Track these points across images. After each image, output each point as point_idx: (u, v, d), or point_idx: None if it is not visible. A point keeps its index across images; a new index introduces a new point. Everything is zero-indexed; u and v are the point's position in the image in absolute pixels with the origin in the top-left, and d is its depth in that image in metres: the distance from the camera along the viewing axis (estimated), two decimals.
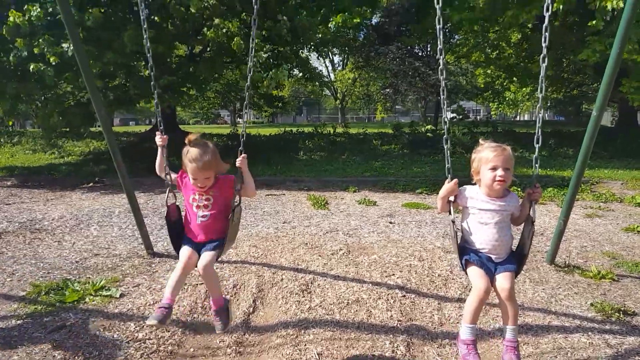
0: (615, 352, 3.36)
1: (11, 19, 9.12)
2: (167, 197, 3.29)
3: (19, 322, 3.74)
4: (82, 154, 16.88)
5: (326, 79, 35.30)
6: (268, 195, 9.42)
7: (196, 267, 3.07)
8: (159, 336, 3.60)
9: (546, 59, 2.95)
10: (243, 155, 3.21)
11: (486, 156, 2.79)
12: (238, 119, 51.76)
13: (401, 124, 24.06)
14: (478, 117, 38.60)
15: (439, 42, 3.06)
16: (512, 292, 2.70)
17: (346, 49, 24.58)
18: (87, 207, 8.16)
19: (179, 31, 11.21)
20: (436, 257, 5.38)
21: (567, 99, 30.78)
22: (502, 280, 2.72)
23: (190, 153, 3.00)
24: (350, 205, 8.52)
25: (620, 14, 11.05)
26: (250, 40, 3.49)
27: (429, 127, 23.21)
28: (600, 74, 4.20)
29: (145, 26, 3.55)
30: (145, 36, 3.56)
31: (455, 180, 2.85)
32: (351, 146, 17.47)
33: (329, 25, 17.55)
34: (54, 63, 9.32)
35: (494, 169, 2.74)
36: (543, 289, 4.47)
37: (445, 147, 3.01)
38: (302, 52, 18.58)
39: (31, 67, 9.39)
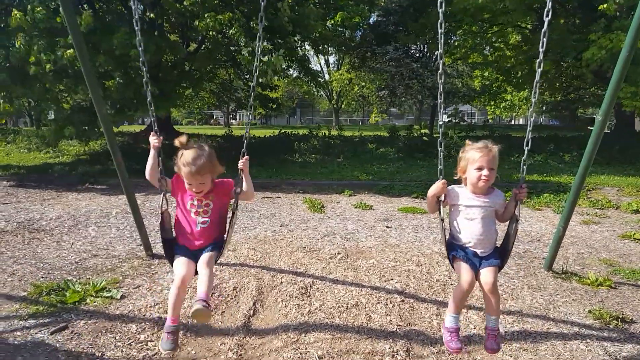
0: (613, 359, 3.41)
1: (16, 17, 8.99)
2: (162, 203, 3.09)
3: (21, 322, 3.74)
4: (77, 154, 16.82)
5: (321, 79, 35.30)
6: (264, 198, 9.43)
7: (196, 274, 2.94)
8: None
9: (542, 64, 3.03)
10: (246, 157, 3.08)
11: (472, 156, 2.92)
12: (232, 120, 51.66)
13: (397, 127, 24.10)
14: (473, 121, 38.78)
15: (439, 47, 3.09)
16: (495, 285, 2.87)
17: (343, 48, 24.45)
18: (84, 208, 8.14)
19: (174, 27, 11.17)
20: (434, 262, 5.42)
21: (563, 102, 30.90)
22: (486, 274, 2.88)
23: (184, 156, 2.84)
24: (346, 209, 8.55)
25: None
26: (257, 39, 3.36)
27: (424, 130, 23.24)
28: (600, 78, 4.20)
29: (137, 27, 3.25)
30: (137, 28, 3.25)
31: (444, 180, 2.97)
32: (346, 149, 17.48)
33: (327, 24, 17.59)
34: (49, 70, 9.25)
35: (480, 169, 2.88)
36: (541, 295, 4.52)
37: (439, 149, 3.12)
38: (300, 48, 18.54)
39: (31, 70, 9.33)
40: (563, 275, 5.06)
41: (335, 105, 48.05)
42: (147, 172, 3.09)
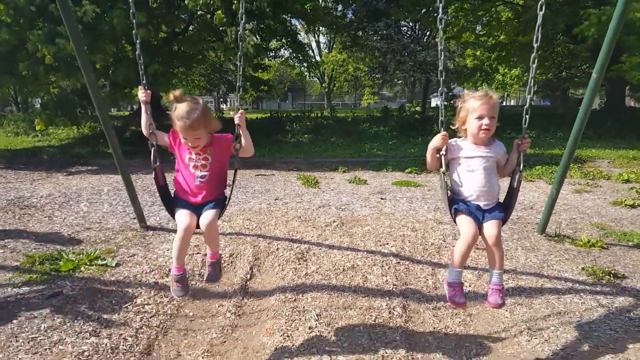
0: (607, 310, 3.45)
1: None
2: (152, 158, 3.02)
3: (14, 290, 3.71)
4: (67, 138, 16.68)
5: (313, 60, 34.95)
6: (258, 175, 9.40)
7: (198, 228, 2.92)
8: (158, 301, 3.61)
9: (536, 61, 2.91)
10: (241, 111, 2.98)
11: (472, 105, 2.82)
12: (222, 105, 51.27)
13: (390, 108, 24.03)
14: None
15: (439, 44, 3.05)
16: (499, 239, 2.77)
17: (334, 27, 24.15)
18: (75, 186, 8.07)
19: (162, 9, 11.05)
20: (429, 228, 5.44)
21: (555, 82, 30.81)
22: (490, 227, 2.78)
23: (178, 110, 2.77)
24: (340, 184, 8.54)
25: None
26: (239, 17, 3.28)
27: (417, 108, 23.18)
28: (596, 55, 4.15)
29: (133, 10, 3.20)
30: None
31: (444, 132, 2.87)
32: (339, 129, 17.45)
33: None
34: (48, 62, 9.10)
35: (480, 117, 2.79)
36: (535, 256, 4.55)
37: (440, 109, 3.01)
38: (288, 24, 18.34)
39: (19, 67, 9.20)
40: (556, 238, 5.10)
41: (326, 89, 47.80)
42: (143, 130, 3.04)
